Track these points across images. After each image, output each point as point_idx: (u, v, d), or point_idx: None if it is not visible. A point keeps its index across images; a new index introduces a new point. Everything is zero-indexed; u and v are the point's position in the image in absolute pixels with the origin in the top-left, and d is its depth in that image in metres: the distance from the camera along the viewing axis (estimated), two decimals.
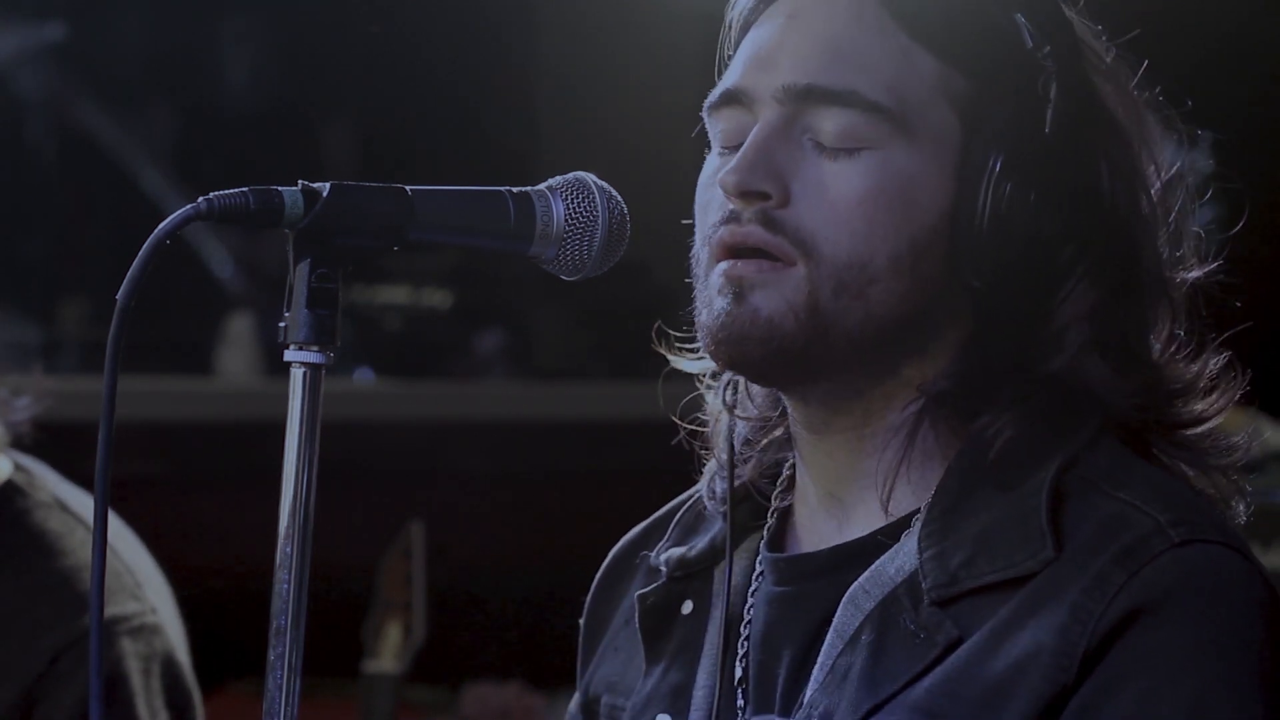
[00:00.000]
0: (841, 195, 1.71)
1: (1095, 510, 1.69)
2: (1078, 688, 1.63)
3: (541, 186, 1.71)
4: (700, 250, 1.78)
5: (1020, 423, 1.72)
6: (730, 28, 1.82)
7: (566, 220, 1.70)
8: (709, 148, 1.80)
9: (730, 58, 1.80)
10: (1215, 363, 1.79)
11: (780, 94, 1.74)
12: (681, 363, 1.85)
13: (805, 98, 1.73)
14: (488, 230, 1.69)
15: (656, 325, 1.83)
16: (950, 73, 1.74)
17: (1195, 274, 1.80)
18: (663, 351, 1.83)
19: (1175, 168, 1.80)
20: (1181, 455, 1.77)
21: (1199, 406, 1.77)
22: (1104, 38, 1.81)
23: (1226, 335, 1.82)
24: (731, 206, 1.74)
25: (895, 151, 1.72)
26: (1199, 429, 1.77)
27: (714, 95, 1.78)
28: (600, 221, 1.70)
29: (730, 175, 1.73)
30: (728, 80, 1.77)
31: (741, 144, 1.74)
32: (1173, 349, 1.78)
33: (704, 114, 1.79)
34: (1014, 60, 1.74)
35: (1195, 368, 1.78)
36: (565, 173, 1.72)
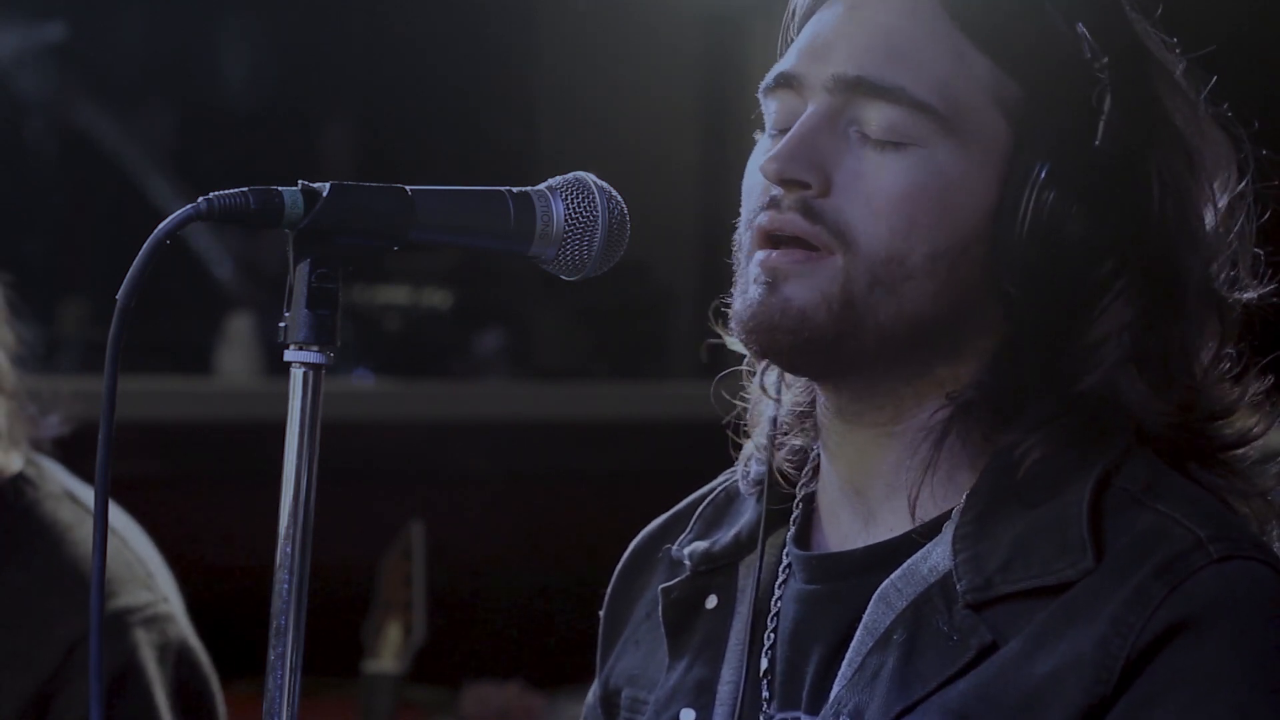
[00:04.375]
0: (882, 189, 1.72)
1: (1134, 522, 1.69)
2: (1115, 701, 1.63)
3: (541, 186, 1.71)
4: (743, 233, 1.78)
5: (1047, 444, 1.71)
6: (793, 13, 1.82)
7: (566, 220, 1.70)
8: (761, 129, 1.80)
9: (791, 40, 1.80)
10: (1260, 385, 1.79)
11: (830, 83, 1.74)
12: (734, 342, 1.83)
13: (854, 89, 1.73)
14: (488, 230, 1.69)
15: (714, 304, 1.82)
16: (1003, 77, 1.73)
17: (1250, 295, 1.80)
18: (718, 330, 1.82)
19: (1240, 187, 1.80)
20: (1220, 478, 1.76)
21: (1240, 426, 1.77)
22: (1177, 50, 1.80)
23: (1270, 358, 1.82)
24: (773, 193, 1.74)
25: (939, 151, 1.72)
26: (1239, 450, 1.77)
27: (769, 78, 1.78)
28: (600, 221, 1.70)
29: (772, 162, 1.73)
30: (783, 64, 1.78)
31: (791, 127, 1.75)
32: (1218, 369, 1.77)
33: (759, 95, 1.80)
34: (1070, 70, 1.73)
35: (1238, 389, 1.77)
36: (565, 173, 1.72)
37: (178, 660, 2.45)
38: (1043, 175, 1.72)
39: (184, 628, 2.47)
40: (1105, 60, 1.73)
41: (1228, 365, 1.78)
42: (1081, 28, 1.74)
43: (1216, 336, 1.78)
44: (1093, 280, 1.73)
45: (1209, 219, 1.78)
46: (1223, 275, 1.78)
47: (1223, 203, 1.78)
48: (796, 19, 1.82)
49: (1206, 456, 1.76)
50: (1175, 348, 1.75)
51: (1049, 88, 1.74)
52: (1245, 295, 1.80)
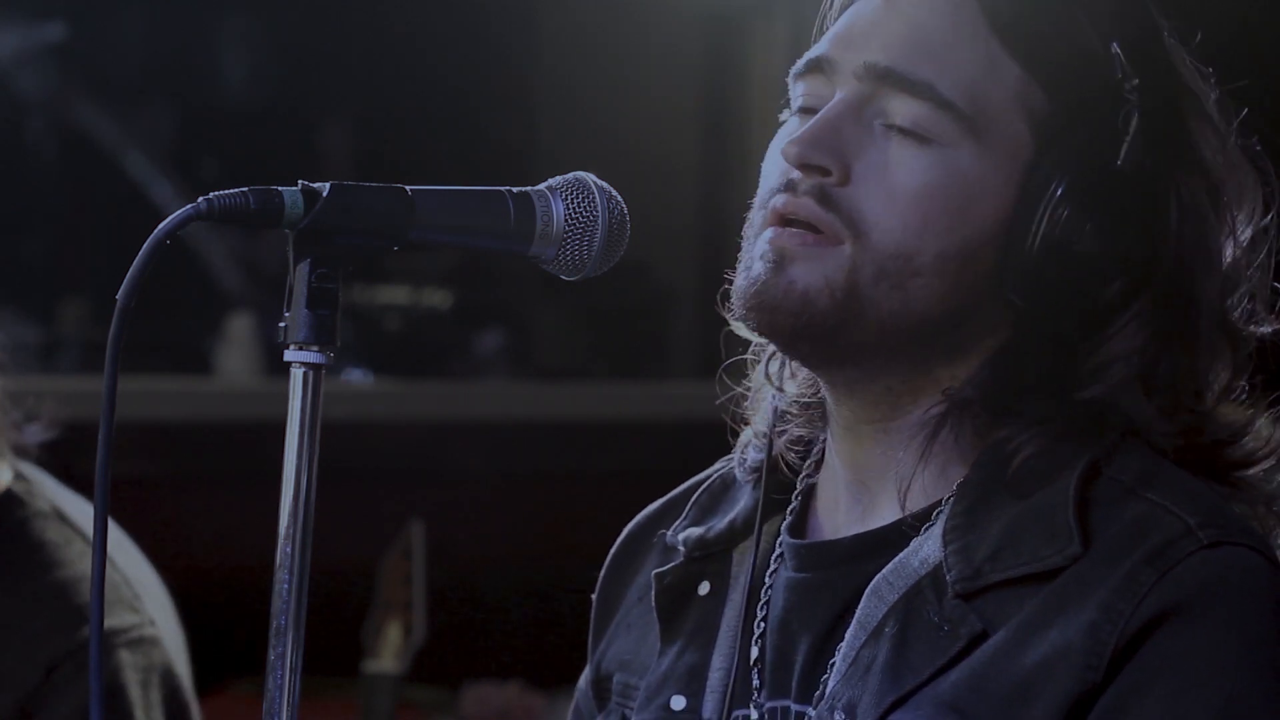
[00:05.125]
0: (901, 184, 1.72)
1: (1123, 509, 1.69)
2: (1106, 687, 1.63)
3: (541, 186, 1.71)
4: (755, 213, 1.78)
5: (1040, 440, 1.72)
6: (831, 3, 1.83)
7: (566, 220, 1.70)
8: (788, 109, 1.81)
9: (828, 29, 1.81)
10: (1271, 413, 1.79)
11: (861, 71, 1.74)
12: (739, 327, 1.84)
13: (883, 79, 1.74)
14: (488, 230, 1.69)
15: (720, 291, 1.82)
16: (1033, 87, 1.74)
17: (1266, 329, 1.80)
18: (723, 314, 1.82)
19: (1267, 219, 1.80)
20: (1226, 486, 1.76)
21: (1251, 448, 1.77)
22: (1212, 80, 1.80)
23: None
24: (791, 176, 1.74)
25: (962, 153, 1.72)
26: (1249, 470, 1.77)
27: (800, 63, 1.79)
28: (600, 221, 1.71)
29: (793, 146, 1.74)
30: (817, 49, 1.79)
31: (817, 109, 1.75)
32: (1229, 397, 1.77)
33: (789, 79, 1.80)
34: (1099, 87, 1.74)
35: (1247, 414, 1.78)
36: (565, 173, 1.72)
37: (160, 683, 2.44)
38: (1060, 190, 1.72)
39: (169, 651, 2.47)
40: (1136, 82, 1.73)
41: (1239, 393, 1.79)
42: (1116, 47, 1.74)
43: (1229, 367, 1.78)
44: (1100, 300, 1.73)
45: (1229, 250, 1.78)
46: (1240, 307, 1.79)
47: (1245, 235, 1.79)
48: (835, 8, 1.82)
49: (1215, 475, 1.77)
50: (1186, 374, 1.75)
51: (1076, 103, 1.74)
52: (1262, 329, 1.80)
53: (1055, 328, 1.73)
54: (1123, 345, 1.73)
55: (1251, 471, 1.77)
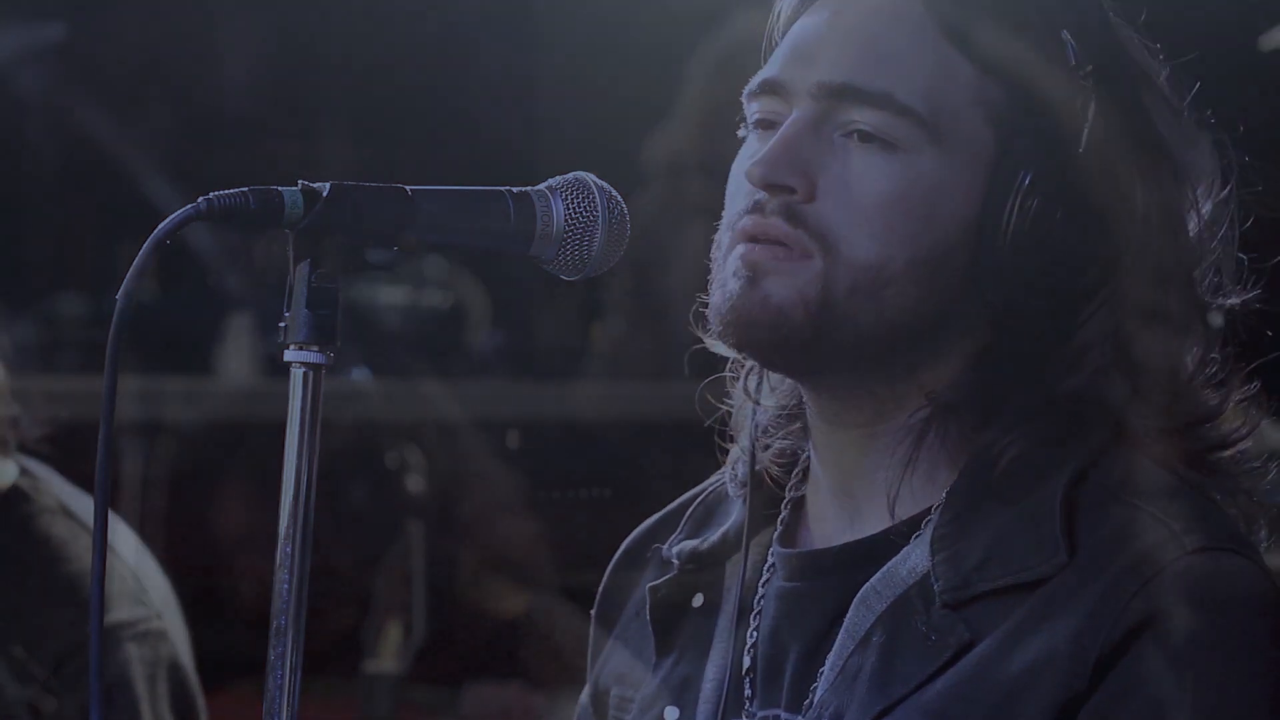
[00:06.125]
0: (865, 195, 1.72)
1: (1109, 516, 1.69)
2: (1091, 694, 1.63)
3: (541, 186, 1.71)
4: (723, 233, 1.79)
5: (1025, 441, 1.72)
6: (778, 16, 1.82)
7: (566, 220, 1.70)
8: (743, 124, 1.81)
9: (776, 44, 1.81)
10: (1245, 390, 1.79)
11: (816, 90, 1.74)
12: (716, 345, 1.84)
13: (840, 95, 1.73)
14: (488, 230, 1.69)
15: (695, 307, 1.83)
16: (988, 84, 1.74)
17: (1234, 300, 1.80)
18: (697, 333, 1.83)
19: (1224, 193, 1.80)
20: (1207, 478, 1.76)
21: (1226, 429, 1.77)
22: (1161, 57, 1.81)
23: (1257, 363, 1.82)
24: (757, 197, 1.74)
25: (924, 157, 1.72)
26: (1226, 452, 1.77)
27: (753, 83, 1.79)
28: (600, 221, 1.71)
29: (757, 167, 1.74)
30: (768, 70, 1.79)
31: (777, 126, 1.75)
32: (1203, 374, 1.78)
33: (743, 99, 1.80)
34: (1054, 77, 1.74)
35: (1223, 393, 1.78)
36: (565, 173, 1.72)
37: (167, 677, 2.45)
38: (1026, 183, 1.72)
39: (175, 645, 2.47)
40: (1089, 68, 1.73)
41: (1213, 369, 1.79)
42: (1066, 35, 1.74)
43: (1203, 341, 1.78)
44: (1078, 287, 1.73)
45: (1192, 225, 1.78)
46: (1206, 281, 1.79)
47: (1206, 209, 1.79)
48: (781, 23, 1.82)
49: (1192, 459, 1.76)
50: (1159, 354, 1.75)
51: (1033, 94, 1.74)
52: (1229, 301, 1.80)
53: (1033, 321, 1.73)
54: (1095, 331, 1.73)
55: (1229, 453, 1.77)
